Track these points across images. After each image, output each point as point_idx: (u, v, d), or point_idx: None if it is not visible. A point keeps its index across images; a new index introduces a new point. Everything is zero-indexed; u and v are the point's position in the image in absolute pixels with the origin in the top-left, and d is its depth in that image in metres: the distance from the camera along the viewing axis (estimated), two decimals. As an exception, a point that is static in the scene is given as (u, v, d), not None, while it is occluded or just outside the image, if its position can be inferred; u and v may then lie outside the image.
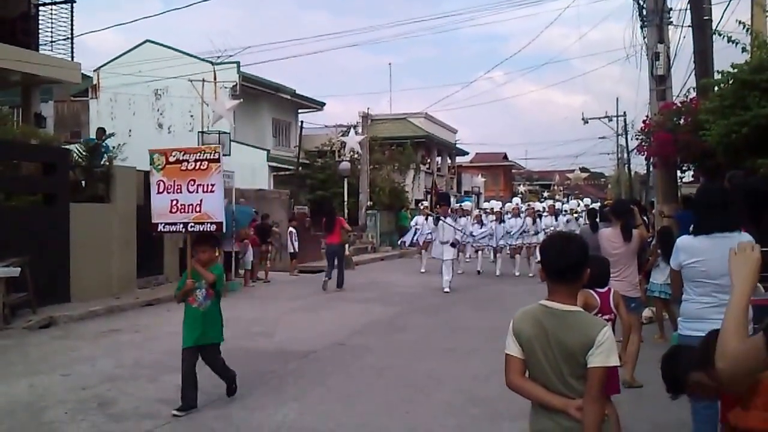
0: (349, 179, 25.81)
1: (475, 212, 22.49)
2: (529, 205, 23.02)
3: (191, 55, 28.21)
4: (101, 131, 16.77)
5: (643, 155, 16.55)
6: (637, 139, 16.58)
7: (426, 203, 22.74)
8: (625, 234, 7.21)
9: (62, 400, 6.89)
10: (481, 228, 21.04)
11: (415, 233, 22.47)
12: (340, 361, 8.82)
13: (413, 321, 11.87)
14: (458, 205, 22.40)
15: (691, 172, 15.14)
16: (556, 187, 59.60)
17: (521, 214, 20.95)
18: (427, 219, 20.28)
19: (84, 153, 15.28)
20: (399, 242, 22.20)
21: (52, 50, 16.66)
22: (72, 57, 16.71)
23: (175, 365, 8.39)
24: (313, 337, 10.33)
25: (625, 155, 44.32)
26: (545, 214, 21.73)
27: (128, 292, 14.27)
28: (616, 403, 5.21)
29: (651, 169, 24.15)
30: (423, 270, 20.79)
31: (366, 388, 7.46)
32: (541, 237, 19.11)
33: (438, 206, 17.64)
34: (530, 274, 18.55)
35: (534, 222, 20.33)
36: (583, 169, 58.41)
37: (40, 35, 16.54)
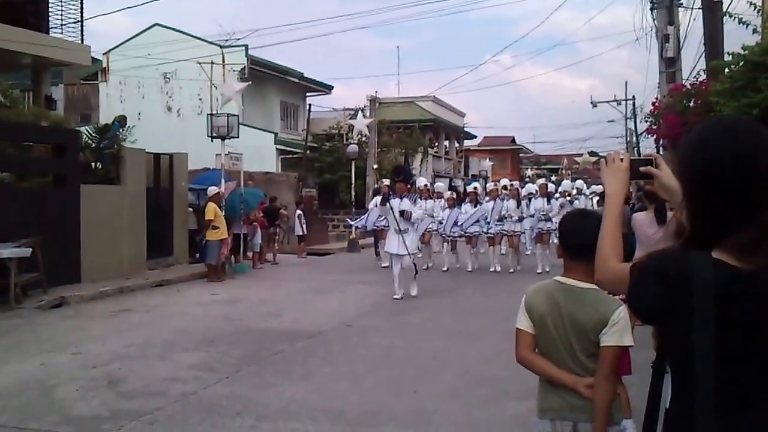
0: (356, 162, 25.76)
1: (447, 194, 18.27)
2: (511, 184, 18.63)
3: (200, 39, 28.19)
4: (123, 119, 16.85)
5: (652, 137, 16.51)
6: (646, 121, 16.54)
7: (387, 181, 18.05)
8: (660, 217, 7.07)
9: (73, 378, 6.97)
10: (448, 213, 17.08)
11: (368, 216, 18.40)
12: (348, 341, 8.89)
13: (419, 303, 11.91)
14: (423, 184, 18.48)
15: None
16: (564, 171, 59.40)
17: (502, 197, 17.17)
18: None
19: (95, 135, 15.34)
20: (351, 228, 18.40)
21: (62, 33, 16.71)
22: (82, 40, 16.77)
23: (186, 345, 8.54)
24: (321, 317, 10.40)
25: (634, 139, 44.13)
26: (536, 196, 17.55)
27: (138, 273, 14.37)
28: (626, 384, 5.27)
29: (660, 152, 24.02)
30: (384, 264, 16.32)
31: (373, 368, 7.53)
32: (527, 224, 16.72)
33: (393, 183, 13.53)
34: (511, 270, 16.09)
35: (518, 205, 16.52)
36: (591, 153, 58.11)
37: (50, 18, 16.58)
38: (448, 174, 42.38)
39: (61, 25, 16.64)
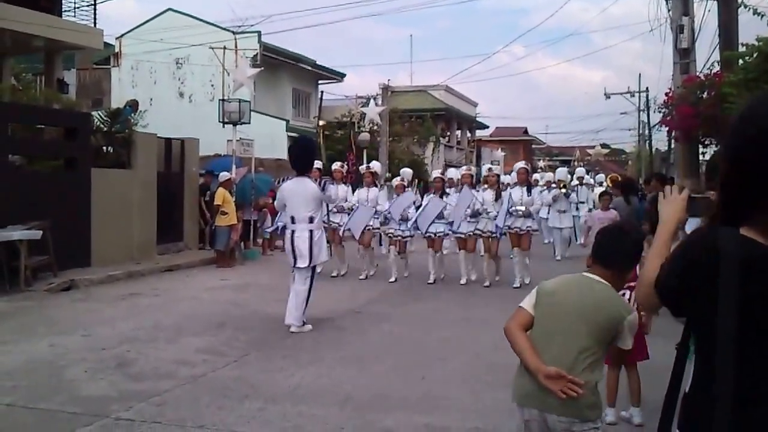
0: (368, 151, 25.76)
1: (396, 180, 13.74)
2: (489, 168, 14.24)
3: (213, 24, 28.21)
4: (135, 103, 16.87)
5: (665, 129, 16.42)
6: (659, 112, 16.44)
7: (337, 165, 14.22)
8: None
9: (82, 360, 6.99)
10: (389, 207, 13.03)
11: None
12: (357, 327, 8.89)
13: (429, 291, 11.89)
14: (366, 167, 14.72)
15: (714, 148, 15.03)
16: (576, 163, 59.27)
17: (478, 187, 13.23)
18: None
19: (106, 119, 15.37)
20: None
21: (75, 16, 16.75)
22: (95, 23, 16.84)
23: (195, 328, 8.56)
24: (330, 304, 10.37)
25: (647, 131, 43.94)
26: (513, 185, 13.47)
27: (148, 257, 14.40)
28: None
29: (672, 144, 23.86)
30: (335, 273, 13.28)
31: (382, 353, 7.52)
32: (506, 222, 11.98)
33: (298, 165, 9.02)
34: (486, 284, 12.28)
35: (497, 197, 12.12)
36: (603, 145, 58.00)
37: (63, 1, 16.62)
38: (459, 164, 42.32)
39: (74, 8, 16.69)
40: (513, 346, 3.03)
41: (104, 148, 15.04)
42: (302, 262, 8.50)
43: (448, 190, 13.29)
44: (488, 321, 9.24)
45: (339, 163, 14.27)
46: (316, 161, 10.76)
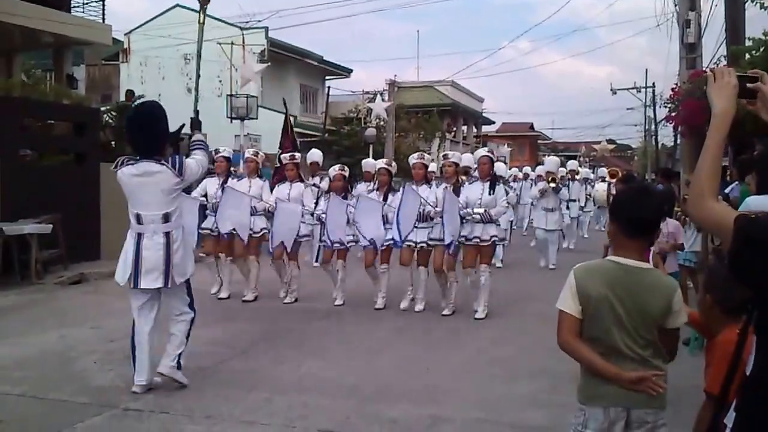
0: (374, 146, 25.82)
1: (334, 170, 10.12)
2: (445, 156, 9.92)
3: (220, 20, 28.26)
4: (130, 93, 16.97)
5: (671, 124, 16.40)
6: (665, 107, 16.41)
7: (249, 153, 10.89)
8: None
9: (91, 351, 7.09)
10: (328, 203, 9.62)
11: None
12: (362, 320, 8.97)
13: (430, 288, 11.90)
14: (290, 155, 10.65)
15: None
16: (582, 158, 59.21)
17: (432, 182, 9.71)
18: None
19: (114, 114, 15.49)
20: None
21: (83, 12, 16.85)
22: (103, 19, 16.91)
23: (202, 321, 8.61)
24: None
25: (653, 127, 43.85)
26: (473, 179, 9.79)
27: (156, 252, 14.44)
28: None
29: (678, 140, 23.80)
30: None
31: (387, 345, 7.60)
32: (477, 229, 8.79)
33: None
34: (445, 311, 9.22)
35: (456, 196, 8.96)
36: (609, 141, 57.81)
37: (71, -3, 16.74)
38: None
39: (83, 4, 16.79)
40: (578, 358, 2.91)
41: (112, 142, 15.14)
42: (152, 280, 6.15)
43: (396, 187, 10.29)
44: (492, 315, 9.29)
45: (252, 150, 11.06)
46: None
